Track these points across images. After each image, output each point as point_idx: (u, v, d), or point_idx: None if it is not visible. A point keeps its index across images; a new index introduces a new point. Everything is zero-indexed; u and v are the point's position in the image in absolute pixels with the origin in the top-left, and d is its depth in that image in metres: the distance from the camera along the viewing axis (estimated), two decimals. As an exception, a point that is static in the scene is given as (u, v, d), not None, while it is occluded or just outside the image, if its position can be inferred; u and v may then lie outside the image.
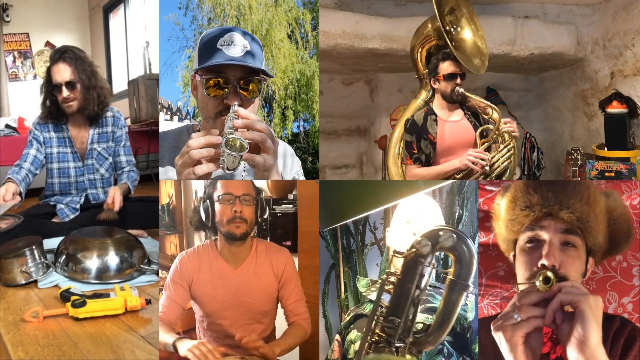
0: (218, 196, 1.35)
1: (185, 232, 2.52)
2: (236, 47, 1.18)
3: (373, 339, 1.09)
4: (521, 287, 0.98)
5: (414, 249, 1.07)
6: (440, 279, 1.32)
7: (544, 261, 0.95)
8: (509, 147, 2.20)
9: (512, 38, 3.01)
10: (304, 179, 1.50)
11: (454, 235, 1.07)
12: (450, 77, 2.20)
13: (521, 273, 1.00)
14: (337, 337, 1.32)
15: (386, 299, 1.10)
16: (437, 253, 1.11)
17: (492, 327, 0.90)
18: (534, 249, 0.99)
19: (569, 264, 0.96)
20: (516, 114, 3.78)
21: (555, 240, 0.97)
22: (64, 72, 2.37)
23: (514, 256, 1.04)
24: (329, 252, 1.48)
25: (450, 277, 1.08)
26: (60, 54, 2.40)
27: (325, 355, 1.40)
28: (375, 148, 3.80)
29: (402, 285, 1.08)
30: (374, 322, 1.09)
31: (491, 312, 1.19)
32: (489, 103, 2.22)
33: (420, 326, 1.12)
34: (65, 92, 2.37)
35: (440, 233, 1.07)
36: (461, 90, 2.19)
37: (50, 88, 2.42)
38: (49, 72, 2.42)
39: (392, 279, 1.09)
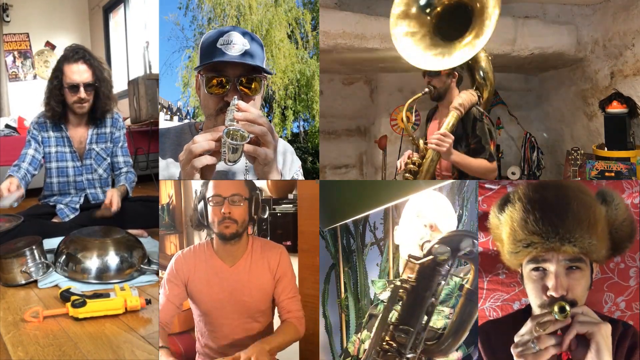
0: (208, 197, 1.36)
1: (185, 232, 2.52)
2: (235, 47, 1.21)
3: (383, 347, 1.04)
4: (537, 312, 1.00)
5: (431, 256, 1.02)
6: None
7: (552, 293, 0.97)
8: (416, 159, 2.09)
9: (512, 38, 3.01)
10: (303, 179, 1.50)
11: (475, 242, 1.01)
12: (423, 76, 2.19)
13: (532, 298, 1.02)
14: (359, 334, 1.31)
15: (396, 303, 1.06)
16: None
17: (512, 351, 0.94)
18: (540, 277, 1.00)
19: (576, 286, 0.98)
20: (516, 114, 3.78)
21: (561, 269, 0.98)
22: (84, 73, 2.36)
23: (521, 276, 1.05)
24: (329, 252, 1.47)
25: (468, 286, 1.04)
26: (81, 55, 2.38)
27: (327, 355, 1.40)
28: (375, 148, 3.80)
29: (416, 293, 1.03)
30: (383, 330, 1.05)
31: (493, 315, 1.19)
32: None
33: (432, 333, 1.07)
34: (82, 93, 2.36)
35: (462, 239, 1.02)
36: (426, 89, 2.14)
37: (59, 86, 2.38)
38: (60, 70, 2.38)
39: (406, 285, 1.04)
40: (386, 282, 1.33)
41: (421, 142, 2.11)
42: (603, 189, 1.08)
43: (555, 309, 0.93)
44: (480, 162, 2.07)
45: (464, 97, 2.11)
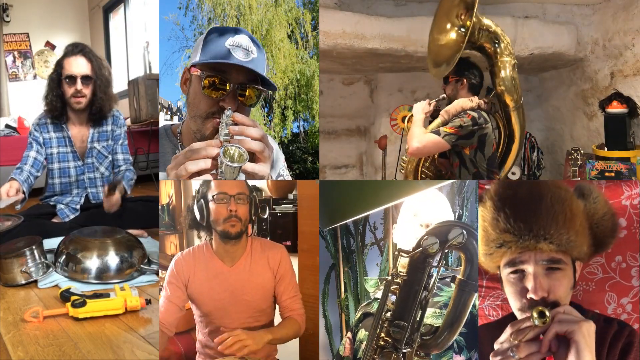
0: (213, 196, 1.35)
1: (185, 232, 2.52)
2: (244, 51, 1.15)
3: (379, 344, 1.04)
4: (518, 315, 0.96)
5: (420, 248, 1.01)
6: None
7: (531, 295, 0.93)
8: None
9: (512, 38, 3.00)
10: (288, 172, 1.49)
11: (464, 232, 0.99)
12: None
13: (512, 302, 0.99)
14: (349, 334, 1.31)
15: (390, 299, 1.07)
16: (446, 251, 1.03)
17: None
18: (519, 279, 0.96)
19: (557, 286, 0.94)
20: (516, 114, 3.78)
21: (540, 270, 0.94)
22: (82, 66, 2.38)
23: (500, 278, 1.01)
24: (329, 252, 1.48)
25: (459, 277, 1.02)
26: (81, 49, 2.41)
27: (327, 355, 1.40)
28: (375, 148, 3.80)
29: (408, 287, 1.02)
30: (378, 326, 1.05)
31: (492, 314, 1.19)
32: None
33: (427, 328, 1.06)
34: (79, 85, 2.37)
35: (450, 229, 1.00)
36: (440, 96, 2.30)
37: (58, 80, 2.39)
38: (60, 64, 2.40)
39: (397, 279, 1.04)
40: (378, 280, 1.33)
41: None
42: (580, 184, 1.03)
43: (534, 314, 0.88)
44: (419, 129, 2.15)
45: (454, 104, 2.21)
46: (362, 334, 1.26)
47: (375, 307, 1.29)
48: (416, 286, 1.02)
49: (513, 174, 3.51)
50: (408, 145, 2.15)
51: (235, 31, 1.16)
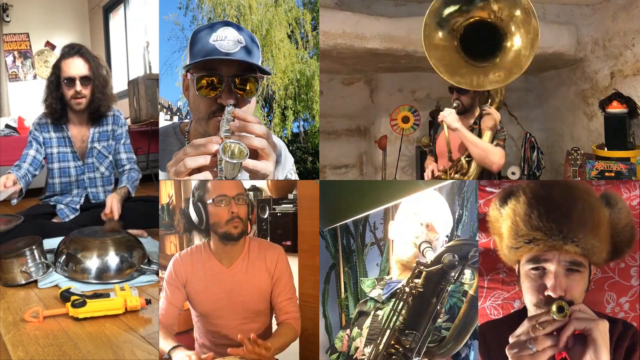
0: (212, 198, 1.34)
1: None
2: (230, 43, 1.12)
3: (389, 351, 1.06)
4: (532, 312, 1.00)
5: (441, 264, 1.06)
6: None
7: (550, 293, 0.96)
8: (443, 169, 2.20)
9: (512, 38, 3.00)
10: (297, 175, 1.49)
11: (476, 249, 1.06)
12: (450, 90, 2.23)
13: (528, 297, 1.02)
14: (348, 330, 1.32)
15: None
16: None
17: (507, 352, 0.94)
18: (539, 276, 0.99)
19: (575, 287, 0.98)
20: (516, 114, 3.79)
21: (560, 270, 0.98)
22: (80, 67, 2.37)
23: (518, 272, 1.05)
24: (329, 252, 1.47)
25: (471, 292, 1.07)
26: (77, 50, 2.40)
27: (327, 355, 1.40)
28: (375, 148, 3.80)
29: (423, 298, 1.06)
30: (387, 334, 1.06)
31: (494, 313, 1.19)
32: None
33: (434, 336, 1.09)
34: (78, 87, 2.36)
35: (470, 249, 1.06)
36: (454, 104, 2.18)
37: (57, 83, 2.39)
38: (57, 66, 2.40)
39: (413, 291, 1.07)
40: (375, 280, 1.34)
41: (463, 159, 2.16)
42: (607, 192, 1.07)
43: (554, 308, 0.92)
44: (485, 142, 2.11)
45: (494, 119, 2.15)
46: (355, 331, 1.27)
47: (369, 306, 1.29)
48: (432, 299, 1.06)
49: (513, 174, 3.51)
50: (490, 162, 2.09)
51: (219, 25, 1.14)
